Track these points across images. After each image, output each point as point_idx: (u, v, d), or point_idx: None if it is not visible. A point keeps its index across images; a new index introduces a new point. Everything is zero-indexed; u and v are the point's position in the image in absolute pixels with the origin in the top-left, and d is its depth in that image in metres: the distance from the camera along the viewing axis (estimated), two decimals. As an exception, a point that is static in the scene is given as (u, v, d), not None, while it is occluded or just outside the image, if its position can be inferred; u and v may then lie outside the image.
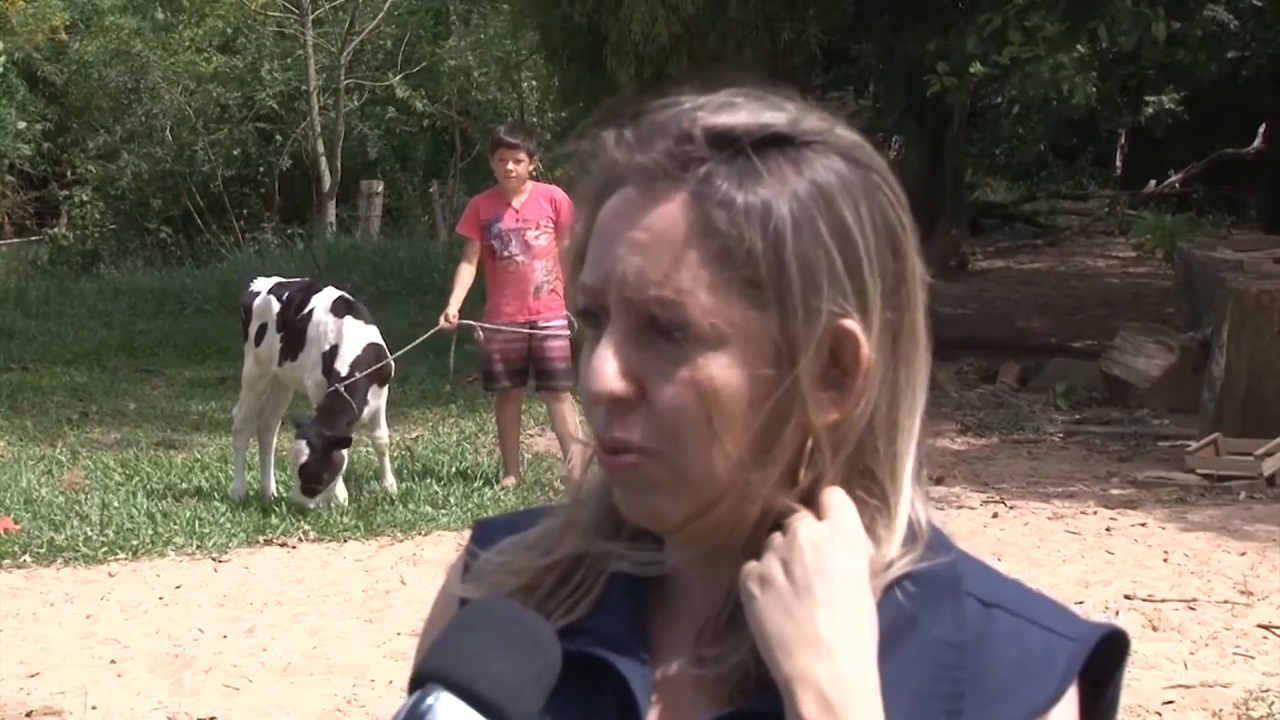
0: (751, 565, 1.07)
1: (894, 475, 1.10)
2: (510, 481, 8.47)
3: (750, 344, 1.04)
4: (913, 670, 1.07)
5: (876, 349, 1.07)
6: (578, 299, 1.11)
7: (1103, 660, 1.11)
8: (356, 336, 7.94)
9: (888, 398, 1.09)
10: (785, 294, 1.04)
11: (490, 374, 8.44)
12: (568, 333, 8.27)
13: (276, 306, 8.26)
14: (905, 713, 1.05)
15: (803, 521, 1.07)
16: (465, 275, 8.41)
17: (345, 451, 7.85)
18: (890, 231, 1.08)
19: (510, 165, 8.16)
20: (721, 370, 1.04)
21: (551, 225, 8.22)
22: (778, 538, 1.08)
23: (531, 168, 8.32)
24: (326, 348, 7.95)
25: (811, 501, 1.08)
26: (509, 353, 8.29)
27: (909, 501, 1.11)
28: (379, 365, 7.98)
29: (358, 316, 8.05)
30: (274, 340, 8.22)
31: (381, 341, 8.08)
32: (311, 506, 7.85)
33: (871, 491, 1.10)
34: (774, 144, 1.06)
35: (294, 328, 8.12)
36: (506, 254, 8.22)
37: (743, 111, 1.08)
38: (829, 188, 1.06)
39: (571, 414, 8.35)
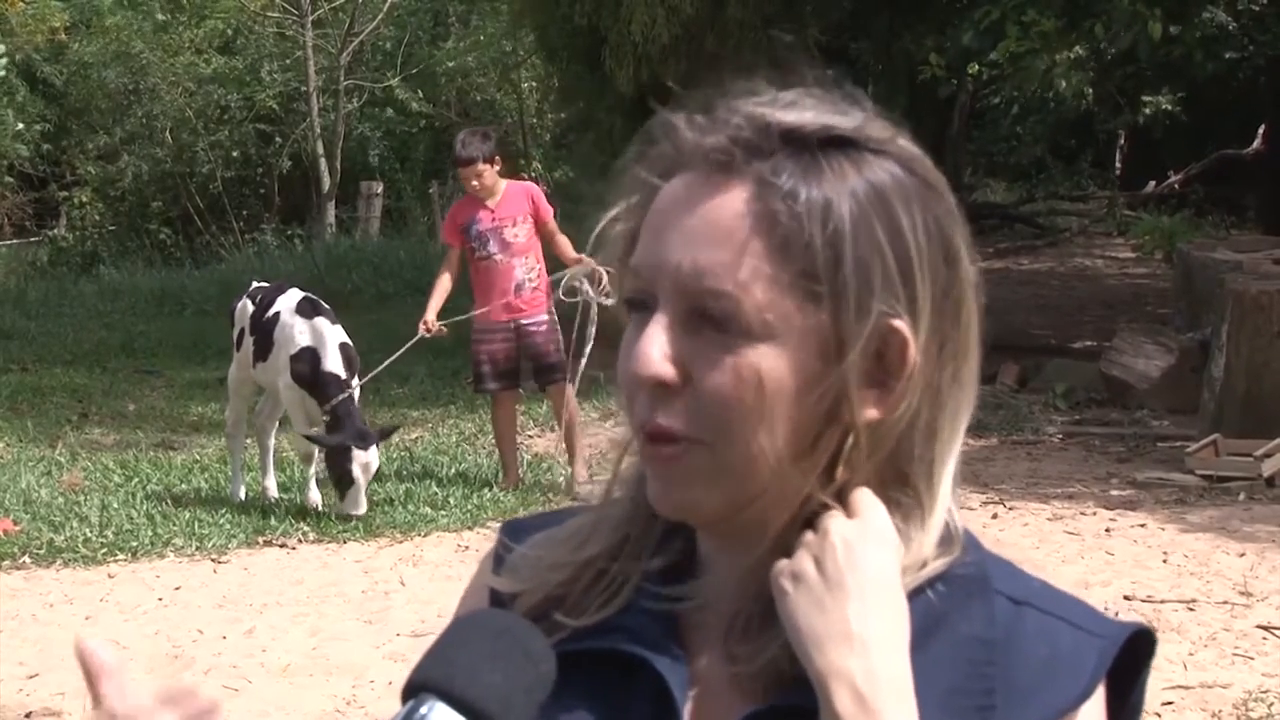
0: (783, 562, 1.08)
1: (930, 480, 1.10)
2: (510, 484, 8.47)
3: (800, 338, 1.05)
4: (944, 667, 1.08)
5: (922, 353, 1.07)
6: (625, 284, 1.11)
7: (1129, 658, 1.12)
8: (333, 337, 7.93)
9: (930, 404, 1.09)
10: (840, 290, 1.05)
11: (478, 375, 8.45)
12: (553, 326, 8.30)
13: (251, 310, 8.27)
14: (937, 709, 1.06)
15: (834, 519, 1.08)
16: (443, 284, 8.42)
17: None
18: (944, 241, 1.09)
19: (473, 181, 8.22)
20: (769, 361, 1.05)
21: (530, 220, 8.25)
22: (809, 535, 1.08)
23: (497, 169, 8.31)
24: (295, 349, 7.89)
25: (843, 501, 1.09)
26: (495, 354, 8.29)
27: (944, 506, 1.11)
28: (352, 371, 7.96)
29: (327, 317, 8.03)
30: (248, 344, 8.22)
31: (349, 340, 8.08)
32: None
33: (905, 494, 1.10)
34: (838, 145, 1.08)
35: (263, 330, 8.12)
36: (485, 253, 8.24)
37: (810, 111, 1.09)
38: (886, 191, 1.07)
39: (571, 409, 8.38)
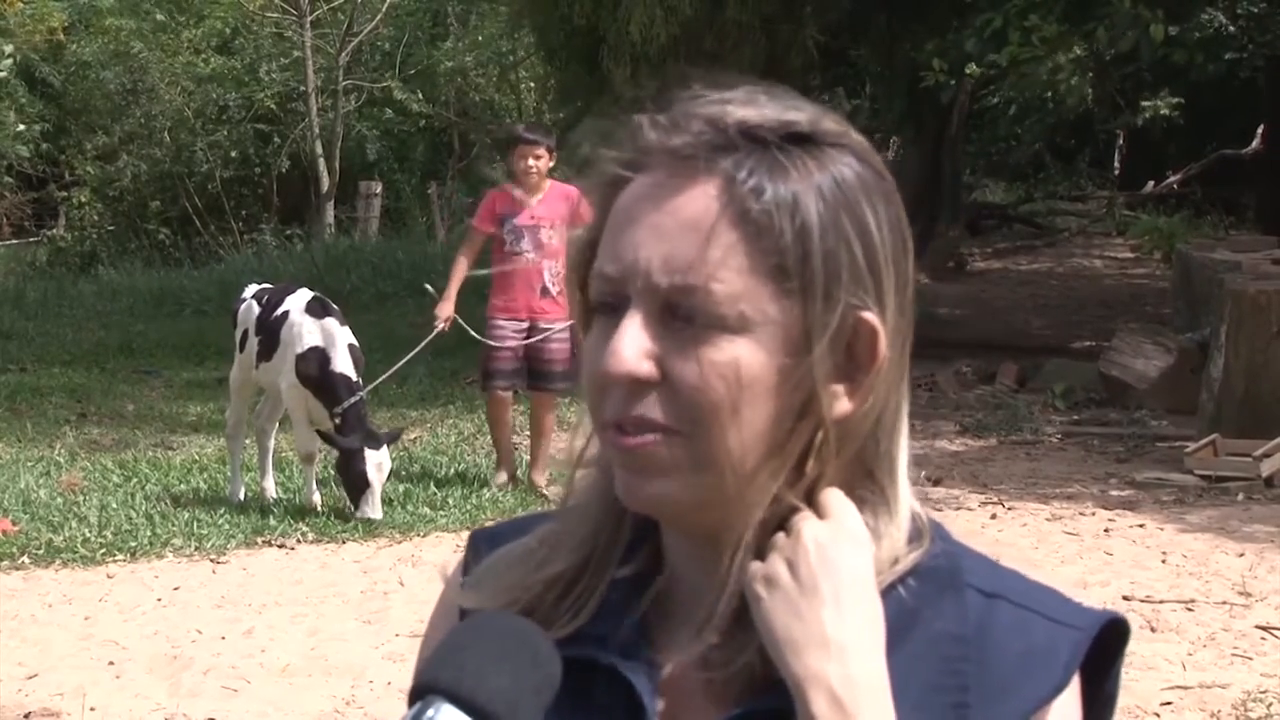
0: (756, 566, 1.07)
1: (892, 473, 1.11)
2: (503, 478, 8.44)
3: (772, 332, 1.05)
4: (918, 665, 1.07)
5: (890, 345, 1.08)
6: (592, 288, 1.10)
7: (1103, 647, 1.12)
8: (342, 339, 7.91)
9: (895, 398, 1.10)
10: (809, 283, 1.05)
11: (488, 372, 8.41)
12: (568, 336, 8.24)
13: (256, 310, 8.25)
14: (912, 708, 1.05)
15: (806, 522, 1.08)
16: (461, 269, 8.41)
17: None
18: (901, 233, 1.10)
19: (530, 161, 8.16)
20: (745, 355, 1.05)
21: (566, 225, 8.20)
22: (781, 538, 1.08)
23: (550, 164, 8.31)
24: (302, 349, 7.86)
25: (812, 502, 1.09)
26: (509, 352, 8.27)
27: (908, 499, 1.12)
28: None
29: (336, 318, 8.00)
30: (253, 344, 8.20)
31: (356, 342, 8.06)
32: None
33: (872, 490, 1.10)
34: (797, 141, 1.08)
35: (269, 329, 8.09)
36: (517, 249, 8.20)
37: (768, 108, 1.09)
38: (851, 186, 1.08)
39: (553, 419, 8.39)
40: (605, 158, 1.12)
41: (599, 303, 1.09)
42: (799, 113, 1.09)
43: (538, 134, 8.34)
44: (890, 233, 1.08)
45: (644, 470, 1.07)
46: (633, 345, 1.05)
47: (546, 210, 8.18)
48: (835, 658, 1.03)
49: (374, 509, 7.72)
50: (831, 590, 1.05)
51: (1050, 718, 1.09)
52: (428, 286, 8.99)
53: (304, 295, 8.16)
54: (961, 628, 1.09)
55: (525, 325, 8.24)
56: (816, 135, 1.09)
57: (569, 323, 8.20)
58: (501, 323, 8.28)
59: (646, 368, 1.05)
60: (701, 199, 1.06)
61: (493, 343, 8.28)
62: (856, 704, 1.02)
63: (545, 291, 8.23)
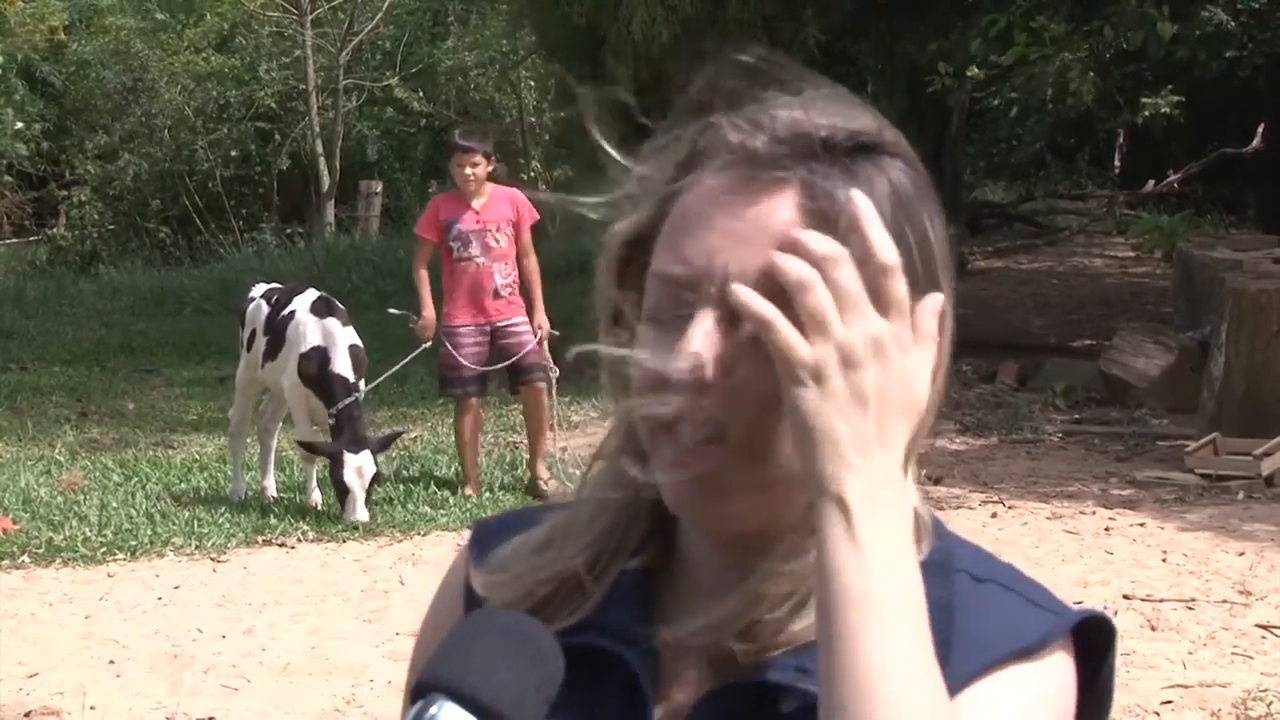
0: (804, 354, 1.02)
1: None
2: (474, 491, 8.39)
3: None
4: None
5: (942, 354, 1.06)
6: (650, 288, 1.08)
7: (1092, 647, 1.13)
8: (344, 339, 7.91)
9: (934, 409, 1.08)
10: None
11: (446, 380, 8.34)
12: (530, 329, 8.22)
13: (265, 310, 8.25)
14: None
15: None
16: (425, 282, 8.44)
17: None
18: (948, 238, 1.10)
19: (467, 170, 8.15)
20: None
21: (512, 227, 8.21)
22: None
23: (490, 169, 8.30)
24: (306, 348, 7.88)
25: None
26: (469, 358, 8.23)
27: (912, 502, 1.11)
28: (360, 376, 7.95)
29: (339, 318, 8.00)
30: (260, 343, 8.21)
31: (359, 343, 8.06)
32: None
33: None
34: (863, 150, 1.08)
35: (276, 329, 8.10)
36: (466, 255, 8.17)
37: (838, 116, 1.08)
38: (909, 194, 1.08)
39: (547, 406, 8.36)
40: (664, 152, 1.11)
41: (656, 304, 1.08)
42: (868, 121, 1.09)
43: (472, 140, 8.30)
44: (943, 239, 1.09)
45: (697, 481, 1.06)
46: (704, 348, 1.04)
47: (491, 213, 8.17)
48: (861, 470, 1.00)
49: (357, 512, 7.68)
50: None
51: (1020, 673, 1.08)
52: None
53: (310, 295, 8.19)
54: (949, 598, 1.09)
55: (484, 329, 8.21)
56: (879, 144, 1.08)
57: (524, 318, 8.23)
58: (460, 330, 8.23)
59: (715, 372, 1.04)
60: (780, 207, 1.05)
61: (461, 358, 8.17)
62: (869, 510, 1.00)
63: (497, 294, 8.21)
